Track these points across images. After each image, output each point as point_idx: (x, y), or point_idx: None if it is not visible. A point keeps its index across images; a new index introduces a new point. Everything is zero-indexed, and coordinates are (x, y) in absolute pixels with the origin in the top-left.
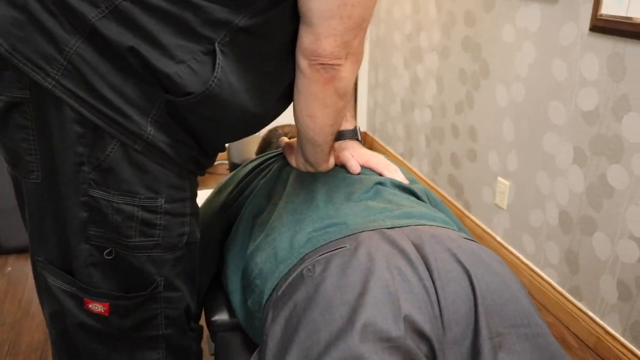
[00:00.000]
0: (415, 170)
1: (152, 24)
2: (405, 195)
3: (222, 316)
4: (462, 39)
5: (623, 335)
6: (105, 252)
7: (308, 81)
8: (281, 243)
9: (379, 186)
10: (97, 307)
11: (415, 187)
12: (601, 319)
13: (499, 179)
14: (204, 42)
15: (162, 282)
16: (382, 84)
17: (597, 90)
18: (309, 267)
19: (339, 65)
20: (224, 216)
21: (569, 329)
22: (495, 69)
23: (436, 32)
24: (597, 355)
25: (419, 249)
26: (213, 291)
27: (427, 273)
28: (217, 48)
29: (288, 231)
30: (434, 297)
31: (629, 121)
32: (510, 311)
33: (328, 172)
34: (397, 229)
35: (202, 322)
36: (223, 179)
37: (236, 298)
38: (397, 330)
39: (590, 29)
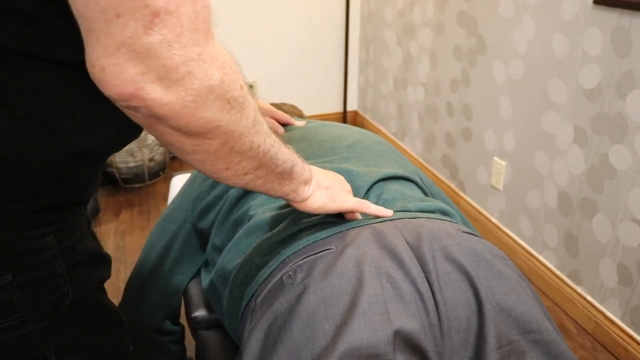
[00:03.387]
0: (408, 150)
1: None
2: (401, 183)
3: (203, 312)
4: (458, 14)
5: (622, 320)
6: None
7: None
8: (261, 244)
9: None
10: None
11: (406, 172)
12: (600, 303)
13: (495, 159)
14: None
15: (53, 353)
16: (373, 61)
17: (600, 67)
18: (290, 273)
19: (140, 97)
20: (199, 210)
21: (567, 313)
22: (492, 45)
23: (430, 7)
24: (596, 340)
25: (414, 248)
26: (194, 285)
27: (422, 276)
28: None
29: (268, 229)
30: (430, 304)
31: (633, 99)
32: (518, 316)
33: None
34: (388, 222)
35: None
36: None
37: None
38: (385, 345)
39: (594, 2)
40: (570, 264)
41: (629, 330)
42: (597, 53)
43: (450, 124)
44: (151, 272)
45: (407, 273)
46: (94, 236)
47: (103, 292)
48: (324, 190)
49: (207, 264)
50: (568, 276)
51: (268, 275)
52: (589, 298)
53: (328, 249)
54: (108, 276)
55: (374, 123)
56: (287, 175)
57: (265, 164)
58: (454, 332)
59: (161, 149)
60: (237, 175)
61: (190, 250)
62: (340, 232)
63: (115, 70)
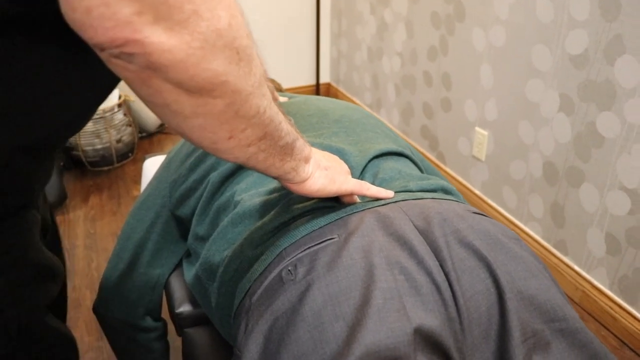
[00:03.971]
0: (385, 121)
1: None
2: (397, 159)
3: (188, 307)
4: None
5: (610, 289)
6: None
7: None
8: (251, 234)
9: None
10: None
11: (399, 147)
12: (588, 273)
13: (477, 129)
14: None
15: None
16: (346, 32)
17: (587, 32)
18: (289, 267)
19: (137, 41)
20: (177, 196)
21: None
22: (472, 11)
23: None
24: (584, 309)
25: (424, 233)
26: (176, 278)
27: (437, 264)
28: None
29: (258, 217)
30: (448, 295)
31: (622, 64)
32: (541, 303)
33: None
34: (391, 205)
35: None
36: (177, 144)
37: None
38: (405, 346)
39: None
40: (557, 234)
41: (617, 299)
42: (585, 17)
43: (429, 94)
44: (128, 266)
45: (420, 262)
46: (53, 241)
47: (49, 313)
48: (323, 170)
49: (188, 255)
50: (555, 246)
51: (263, 270)
52: (576, 268)
53: (330, 239)
54: (55, 293)
55: (348, 95)
56: (289, 150)
57: (270, 134)
58: (475, 326)
59: (129, 129)
60: (239, 146)
61: (169, 240)
62: (340, 218)
63: (105, 11)
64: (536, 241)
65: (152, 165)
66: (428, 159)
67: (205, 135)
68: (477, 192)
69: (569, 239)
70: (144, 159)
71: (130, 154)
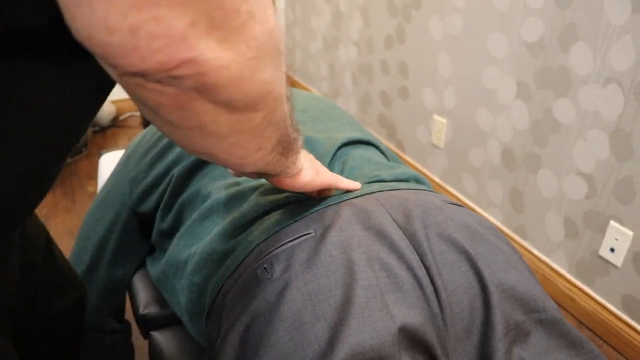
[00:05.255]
0: None
1: None
2: (365, 148)
3: (154, 308)
4: None
5: (569, 271)
6: None
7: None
8: (222, 229)
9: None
10: None
11: (366, 136)
12: (547, 256)
13: (435, 116)
14: None
15: None
16: (300, 20)
17: (543, 19)
18: (265, 265)
19: (191, 61)
20: (139, 192)
21: None
22: None
23: None
24: None
25: (403, 227)
26: (140, 278)
27: (417, 259)
28: None
29: (226, 211)
30: (429, 290)
31: (576, 51)
32: (521, 294)
33: None
34: (367, 197)
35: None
36: (134, 139)
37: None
38: (389, 346)
39: None
40: (516, 219)
41: (576, 281)
42: (540, 5)
43: (386, 82)
44: (89, 267)
45: (400, 257)
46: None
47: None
48: (309, 161)
49: (152, 251)
50: (514, 231)
51: (237, 267)
52: (536, 252)
53: (306, 234)
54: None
55: (305, 84)
56: (294, 144)
57: (285, 134)
58: (457, 320)
59: None
60: (264, 155)
61: (131, 238)
62: (315, 211)
63: (155, 27)
64: (496, 227)
65: (108, 162)
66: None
67: (236, 152)
68: (436, 179)
69: (528, 224)
70: (99, 155)
71: (83, 149)
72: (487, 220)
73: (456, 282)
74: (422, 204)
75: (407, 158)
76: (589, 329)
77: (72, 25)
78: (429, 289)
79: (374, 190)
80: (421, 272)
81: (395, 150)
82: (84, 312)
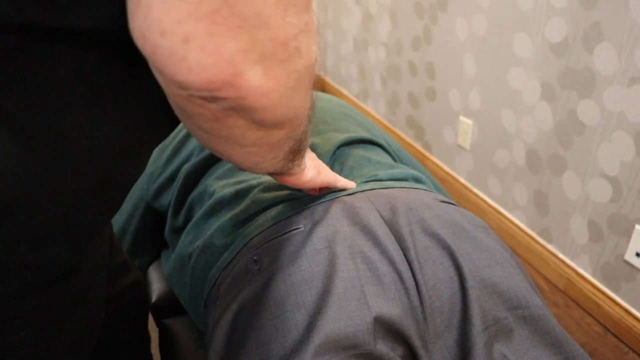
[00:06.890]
0: (371, 111)
1: None
2: (369, 148)
3: (165, 298)
4: None
5: (594, 275)
6: None
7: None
8: (222, 224)
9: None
10: None
11: (370, 135)
12: (572, 260)
13: (461, 118)
14: None
15: None
16: (332, 22)
17: (566, 20)
18: (255, 257)
19: (235, 85)
20: (154, 188)
21: (539, 272)
22: (454, 0)
23: None
24: (568, 296)
25: (389, 223)
26: (154, 269)
27: (400, 253)
28: None
29: (229, 208)
30: (410, 284)
31: (600, 52)
32: (504, 291)
33: None
34: (358, 195)
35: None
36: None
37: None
38: (364, 334)
39: None
40: (541, 222)
41: (600, 285)
42: (563, 5)
43: (414, 83)
44: None
45: (383, 251)
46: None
47: None
48: (311, 160)
49: (167, 247)
50: (539, 234)
51: (231, 260)
52: (560, 255)
53: (296, 229)
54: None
55: (336, 86)
56: (303, 149)
57: (297, 144)
58: (437, 314)
59: None
60: (275, 163)
61: (147, 231)
62: (307, 208)
63: (207, 43)
64: (521, 229)
65: None
66: (414, 148)
67: (252, 159)
68: (462, 181)
69: (553, 227)
70: None
71: None
72: (512, 221)
73: (437, 276)
74: (411, 201)
75: (434, 159)
76: (615, 335)
77: (130, 23)
78: (410, 283)
79: (367, 189)
80: (403, 267)
81: (422, 151)
82: (142, 289)
